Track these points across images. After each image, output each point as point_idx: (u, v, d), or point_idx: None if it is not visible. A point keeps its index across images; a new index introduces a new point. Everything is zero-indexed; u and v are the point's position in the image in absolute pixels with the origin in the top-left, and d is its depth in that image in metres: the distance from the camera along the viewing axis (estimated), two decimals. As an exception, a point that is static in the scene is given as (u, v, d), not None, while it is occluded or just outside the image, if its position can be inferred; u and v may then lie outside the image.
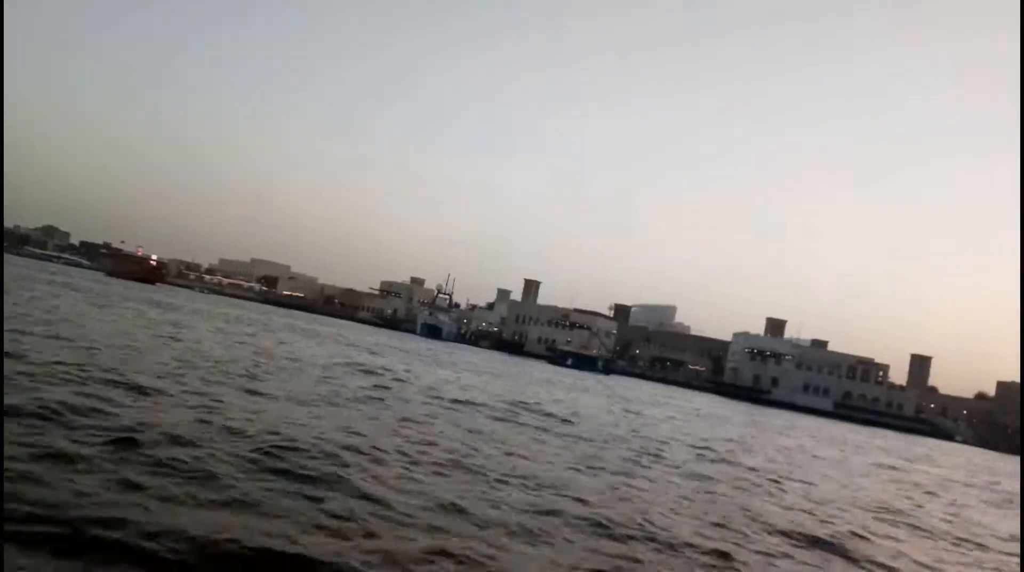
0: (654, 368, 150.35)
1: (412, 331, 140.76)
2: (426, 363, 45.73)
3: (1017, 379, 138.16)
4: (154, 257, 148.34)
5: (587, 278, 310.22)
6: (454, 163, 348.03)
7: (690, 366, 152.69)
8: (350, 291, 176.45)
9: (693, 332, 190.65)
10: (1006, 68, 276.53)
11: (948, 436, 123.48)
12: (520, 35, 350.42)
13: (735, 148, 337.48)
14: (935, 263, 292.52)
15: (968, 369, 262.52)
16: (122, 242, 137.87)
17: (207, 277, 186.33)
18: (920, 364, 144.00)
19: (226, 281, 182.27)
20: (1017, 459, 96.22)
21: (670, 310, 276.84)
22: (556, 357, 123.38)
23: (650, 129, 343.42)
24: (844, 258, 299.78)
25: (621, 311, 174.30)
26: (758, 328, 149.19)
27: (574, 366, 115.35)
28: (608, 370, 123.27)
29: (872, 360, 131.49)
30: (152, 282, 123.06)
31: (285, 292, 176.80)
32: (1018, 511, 24.35)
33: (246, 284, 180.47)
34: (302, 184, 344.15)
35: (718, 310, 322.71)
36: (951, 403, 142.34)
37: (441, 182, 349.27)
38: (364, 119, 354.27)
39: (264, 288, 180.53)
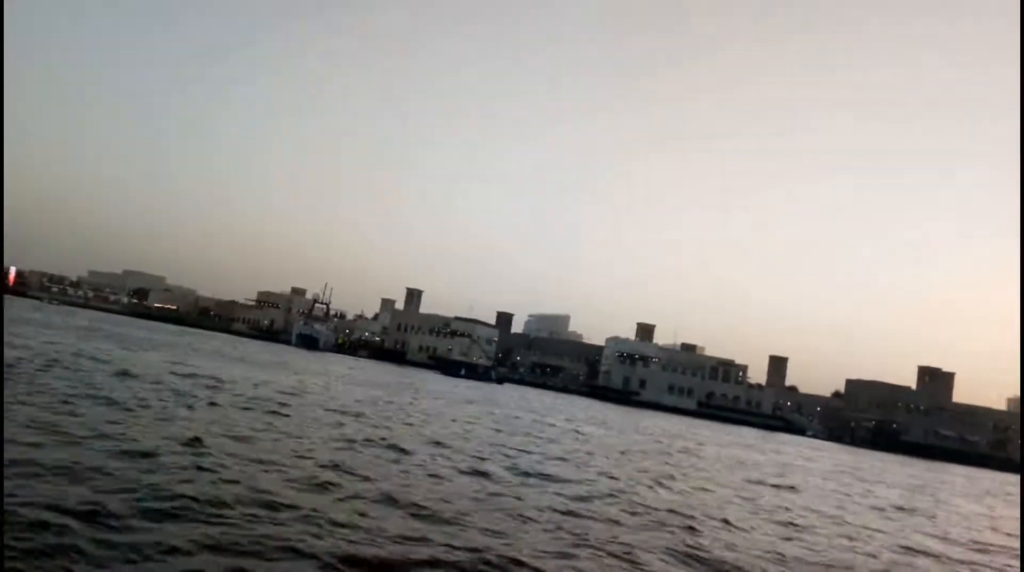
0: (534, 374, 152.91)
1: (289, 342, 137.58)
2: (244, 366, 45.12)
3: (864, 376, 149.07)
4: (12, 270, 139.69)
5: (487, 288, 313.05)
6: (345, 172, 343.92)
7: (569, 371, 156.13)
8: (225, 302, 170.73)
9: (585, 340, 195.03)
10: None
11: (801, 431, 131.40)
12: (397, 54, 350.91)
13: (617, 165, 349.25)
14: (797, 270, 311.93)
15: (828, 369, 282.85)
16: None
17: (71, 290, 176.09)
18: (777, 365, 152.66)
19: (92, 294, 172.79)
20: (856, 450, 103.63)
21: (564, 319, 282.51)
22: (449, 368, 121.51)
23: (522, 138, 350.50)
24: (717, 267, 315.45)
25: (504, 318, 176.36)
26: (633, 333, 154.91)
27: (468, 377, 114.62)
28: (501, 380, 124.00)
29: (733, 361, 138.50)
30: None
31: (156, 304, 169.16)
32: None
33: (113, 296, 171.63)
34: (181, 193, 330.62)
35: (610, 318, 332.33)
36: (807, 401, 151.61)
37: (331, 191, 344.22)
38: (251, 130, 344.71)
39: (134, 300, 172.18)
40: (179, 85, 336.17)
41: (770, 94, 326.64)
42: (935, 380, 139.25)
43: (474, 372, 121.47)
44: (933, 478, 54.22)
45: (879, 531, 18.03)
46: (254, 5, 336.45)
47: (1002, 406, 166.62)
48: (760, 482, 25.90)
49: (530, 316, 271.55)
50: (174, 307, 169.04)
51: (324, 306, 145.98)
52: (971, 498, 37.98)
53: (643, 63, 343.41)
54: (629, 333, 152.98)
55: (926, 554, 15.62)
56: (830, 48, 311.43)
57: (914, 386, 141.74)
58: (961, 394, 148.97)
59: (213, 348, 61.20)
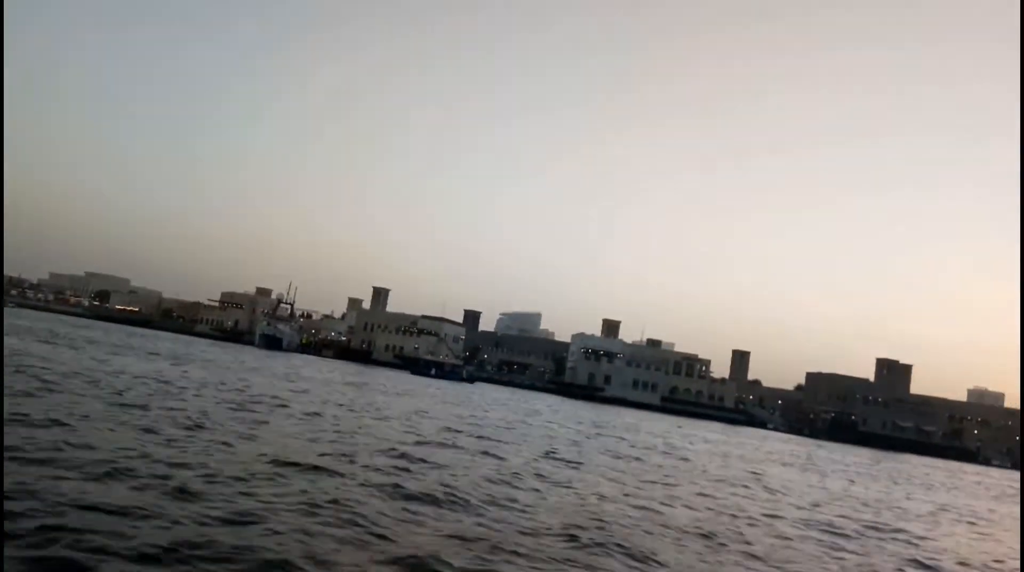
0: (501, 372, 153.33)
1: (252, 343, 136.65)
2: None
3: (824, 369, 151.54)
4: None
5: (459, 287, 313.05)
6: (314, 173, 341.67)
7: (536, 368, 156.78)
8: (189, 303, 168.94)
9: (557, 338, 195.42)
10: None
11: (763, 424, 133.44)
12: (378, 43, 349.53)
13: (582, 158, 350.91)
14: (762, 264, 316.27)
15: (792, 362, 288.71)
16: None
17: (31, 293, 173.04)
18: (740, 359, 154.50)
19: (52, 296, 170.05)
20: (808, 441, 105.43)
21: (535, 317, 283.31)
22: (419, 367, 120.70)
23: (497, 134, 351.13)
24: (685, 263, 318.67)
25: (471, 316, 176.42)
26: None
27: (438, 376, 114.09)
28: (472, 379, 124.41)
29: (696, 356, 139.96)
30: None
31: (118, 306, 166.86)
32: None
33: (74, 299, 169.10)
34: (148, 194, 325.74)
35: (581, 316, 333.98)
36: (769, 394, 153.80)
37: (301, 192, 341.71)
38: (219, 131, 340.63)
39: (96, 302, 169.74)
40: (146, 87, 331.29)
41: (733, 85, 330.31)
42: (893, 372, 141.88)
43: (443, 370, 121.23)
44: (859, 463, 55.60)
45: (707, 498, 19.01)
46: (248, 10, 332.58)
47: (962, 397, 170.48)
48: (638, 459, 27.03)
49: (501, 314, 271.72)
50: (136, 309, 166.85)
51: (288, 306, 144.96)
52: (877, 480, 39.25)
53: (615, 61, 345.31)
54: (598, 330, 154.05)
55: (749, 521, 16.38)
56: (804, 40, 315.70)
57: (873, 378, 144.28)
58: (923, 386, 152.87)
59: (157, 348, 60.69)
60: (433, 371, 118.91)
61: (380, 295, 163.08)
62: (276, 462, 14.36)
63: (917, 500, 30.86)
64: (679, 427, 69.28)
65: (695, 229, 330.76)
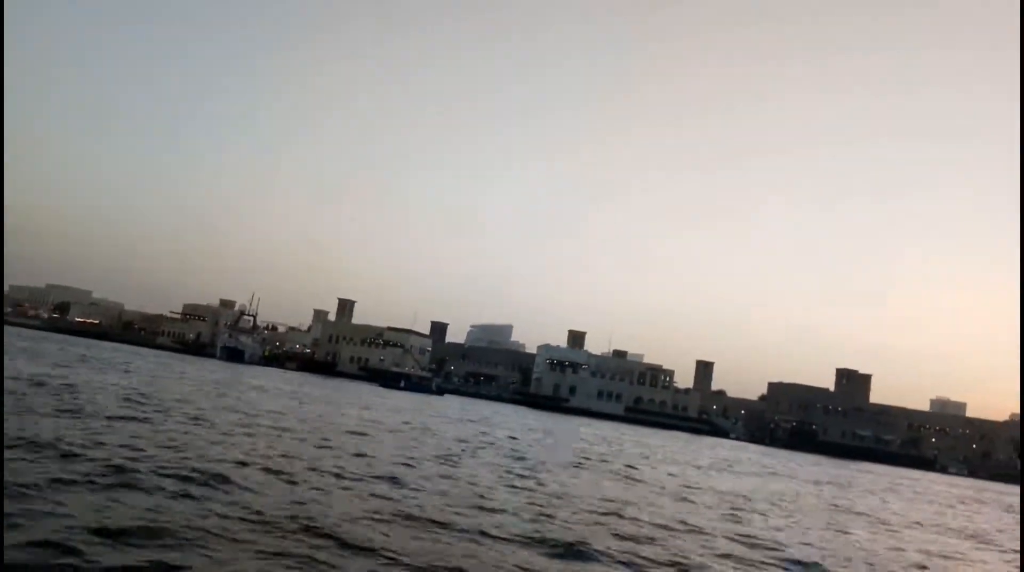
0: (468, 383, 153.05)
1: (214, 356, 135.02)
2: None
3: (789, 380, 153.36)
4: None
5: (432, 300, 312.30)
6: (286, 182, 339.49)
7: (502, 379, 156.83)
8: (151, 316, 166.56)
9: (527, 350, 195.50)
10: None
11: (725, 434, 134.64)
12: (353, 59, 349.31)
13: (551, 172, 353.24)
14: (730, 276, 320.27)
15: (759, 372, 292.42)
16: None
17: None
18: (704, 369, 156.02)
19: (9, 309, 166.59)
20: (761, 449, 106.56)
21: (507, 329, 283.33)
22: (387, 379, 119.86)
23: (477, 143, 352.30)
24: (656, 274, 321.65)
25: (438, 328, 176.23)
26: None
27: (407, 388, 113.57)
28: (441, 391, 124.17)
29: (660, 366, 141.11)
30: None
31: (78, 318, 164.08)
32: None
33: (32, 311, 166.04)
34: (116, 204, 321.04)
35: (552, 328, 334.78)
36: (733, 404, 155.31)
37: (270, 205, 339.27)
38: (193, 141, 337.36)
39: (55, 315, 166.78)
40: (113, 95, 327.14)
41: (694, 93, 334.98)
42: (852, 382, 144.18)
43: (411, 382, 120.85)
44: (785, 466, 56.75)
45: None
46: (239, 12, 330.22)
47: (925, 407, 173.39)
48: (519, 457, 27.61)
49: (472, 326, 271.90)
50: (96, 321, 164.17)
51: (251, 318, 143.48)
52: (777, 480, 40.22)
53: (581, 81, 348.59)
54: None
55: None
56: (762, 45, 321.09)
57: (833, 388, 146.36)
58: (886, 396, 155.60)
59: (93, 356, 59.78)
60: (402, 383, 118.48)
61: (346, 307, 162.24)
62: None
63: (799, 497, 31.77)
64: (622, 435, 69.69)
65: (665, 239, 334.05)
